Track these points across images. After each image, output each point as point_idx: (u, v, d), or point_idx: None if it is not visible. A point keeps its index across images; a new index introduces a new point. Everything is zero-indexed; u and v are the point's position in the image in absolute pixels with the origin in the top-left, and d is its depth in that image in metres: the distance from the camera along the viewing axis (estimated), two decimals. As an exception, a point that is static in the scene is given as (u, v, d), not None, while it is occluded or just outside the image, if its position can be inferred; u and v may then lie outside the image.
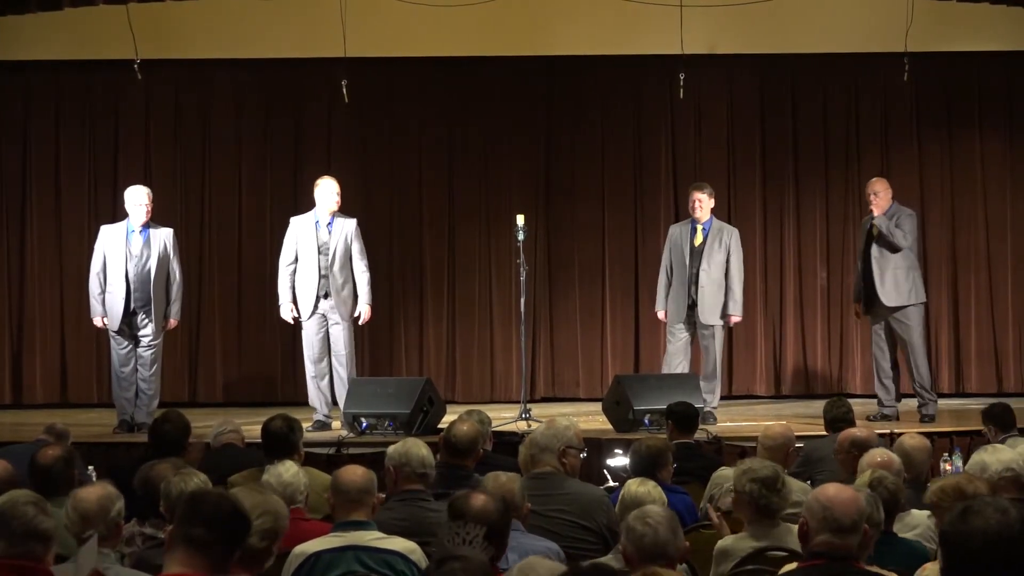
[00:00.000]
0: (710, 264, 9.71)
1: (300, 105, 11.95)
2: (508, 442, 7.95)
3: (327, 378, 9.53)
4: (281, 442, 5.90)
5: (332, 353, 9.50)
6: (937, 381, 11.76)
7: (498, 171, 11.98)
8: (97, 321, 9.50)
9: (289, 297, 9.48)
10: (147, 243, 9.45)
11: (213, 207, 11.92)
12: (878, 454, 5.27)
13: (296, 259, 9.48)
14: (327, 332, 9.50)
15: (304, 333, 9.58)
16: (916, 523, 4.94)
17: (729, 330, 10.37)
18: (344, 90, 10.15)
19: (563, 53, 11.76)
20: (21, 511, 3.86)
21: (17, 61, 11.64)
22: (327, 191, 9.50)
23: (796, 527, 3.97)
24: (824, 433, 7.37)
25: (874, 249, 9.54)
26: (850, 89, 11.90)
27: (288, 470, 5.09)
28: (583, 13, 11.42)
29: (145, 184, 11.80)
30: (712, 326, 9.75)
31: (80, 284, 11.79)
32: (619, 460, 8.07)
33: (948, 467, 7.38)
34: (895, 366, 9.66)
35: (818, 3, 11.54)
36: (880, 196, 9.59)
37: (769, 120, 11.99)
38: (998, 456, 5.12)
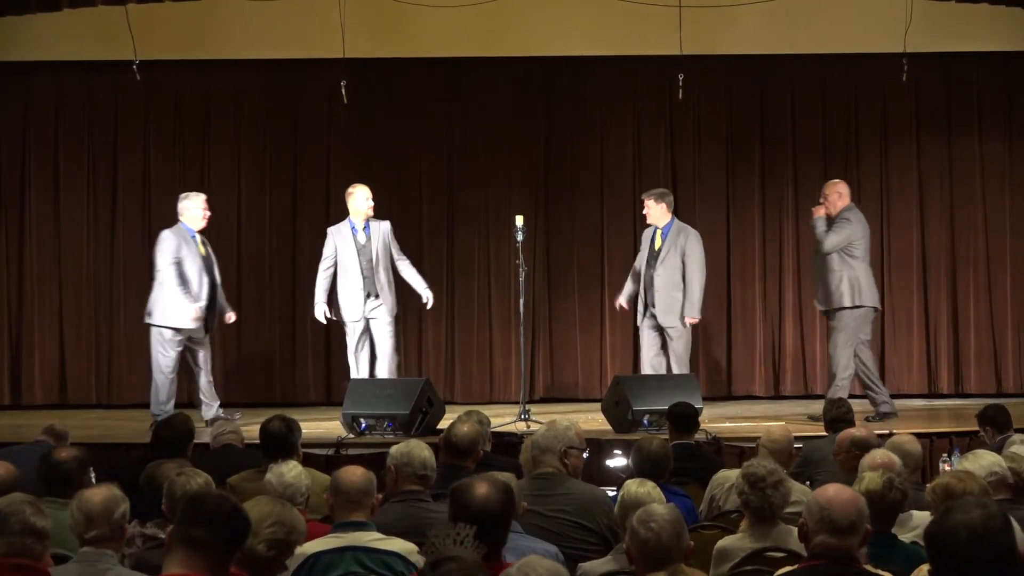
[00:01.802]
0: (664, 268, 9.80)
1: (299, 106, 11.94)
2: (507, 443, 7.95)
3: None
4: (280, 443, 5.89)
5: (376, 352, 9.78)
6: (936, 381, 11.78)
7: (497, 172, 11.97)
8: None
9: (324, 298, 9.76)
10: (205, 244, 9.79)
11: (212, 208, 11.84)
12: (879, 455, 5.27)
13: (335, 264, 9.72)
14: (370, 333, 9.75)
15: (348, 333, 9.80)
16: (917, 524, 4.94)
17: (703, 330, 10.33)
18: (343, 91, 10.14)
19: (562, 54, 11.75)
20: (18, 509, 3.88)
21: (16, 62, 11.63)
22: (361, 197, 9.78)
23: (796, 528, 3.96)
24: (823, 433, 7.37)
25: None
26: (849, 90, 11.90)
27: (291, 470, 5.08)
28: (582, 14, 11.42)
29: (143, 185, 11.87)
30: (670, 328, 9.81)
31: (79, 284, 11.84)
32: (618, 461, 8.07)
33: (947, 467, 7.36)
34: (875, 364, 9.75)
35: (817, 3, 11.54)
36: (829, 200, 9.73)
37: (768, 121, 11.98)
38: (980, 462, 5.15)
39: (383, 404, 8.92)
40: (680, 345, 9.85)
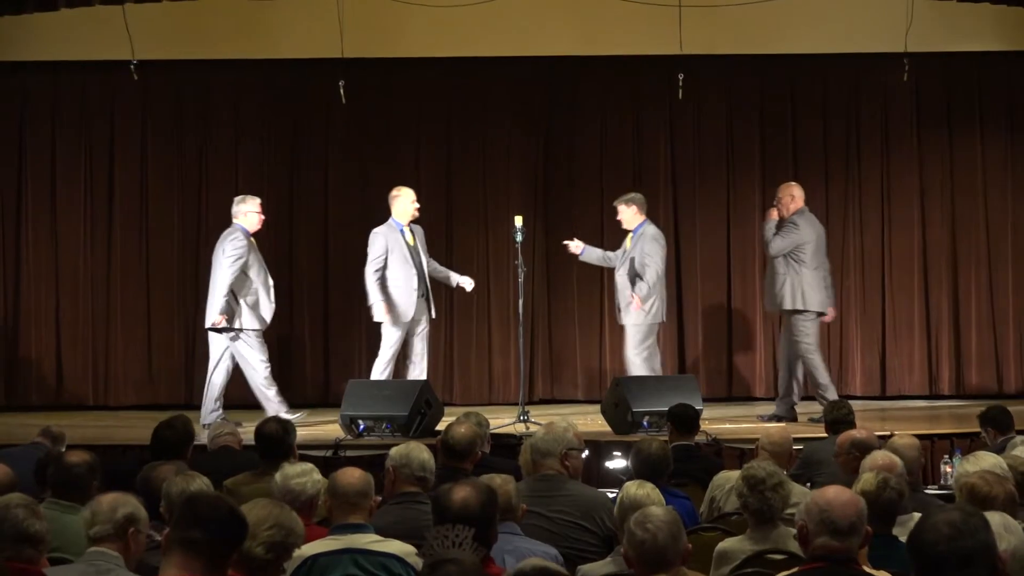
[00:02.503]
0: (624, 268, 9.85)
1: (298, 106, 11.94)
2: (506, 444, 7.94)
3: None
4: (275, 444, 5.88)
5: (413, 355, 9.83)
6: (937, 382, 11.78)
7: (496, 172, 11.97)
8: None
9: (384, 297, 9.69)
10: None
11: (210, 209, 11.90)
12: (880, 456, 5.26)
13: (386, 266, 9.71)
14: (409, 336, 9.83)
15: (396, 335, 9.75)
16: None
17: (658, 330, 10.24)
18: (341, 91, 10.14)
19: (561, 53, 11.74)
20: (12, 514, 3.87)
21: (13, 62, 11.63)
22: (407, 200, 9.82)
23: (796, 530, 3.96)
24: (824, 435, 7.37)
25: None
26: (850, 90, 11.89)
27: (299, 475, 5.02)
28: (581, 13, 11.42)
29: (141, 185, 11.86)
30: (622, 327, 9.91)
31: (76, 285, 11.83)
32: (618, 462, 8.07)
33: (948, 469, 7.38)
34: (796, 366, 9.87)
35: (817, 3, 11.53)
36: (782, 202, 9.80)
37: (768, 121, 11.98)
38: (981, 464, 5.15)
39: (381, 405, 8.92)
40: (630, 345, 9.85)
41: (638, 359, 9.77)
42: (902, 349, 11.83)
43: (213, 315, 9.61)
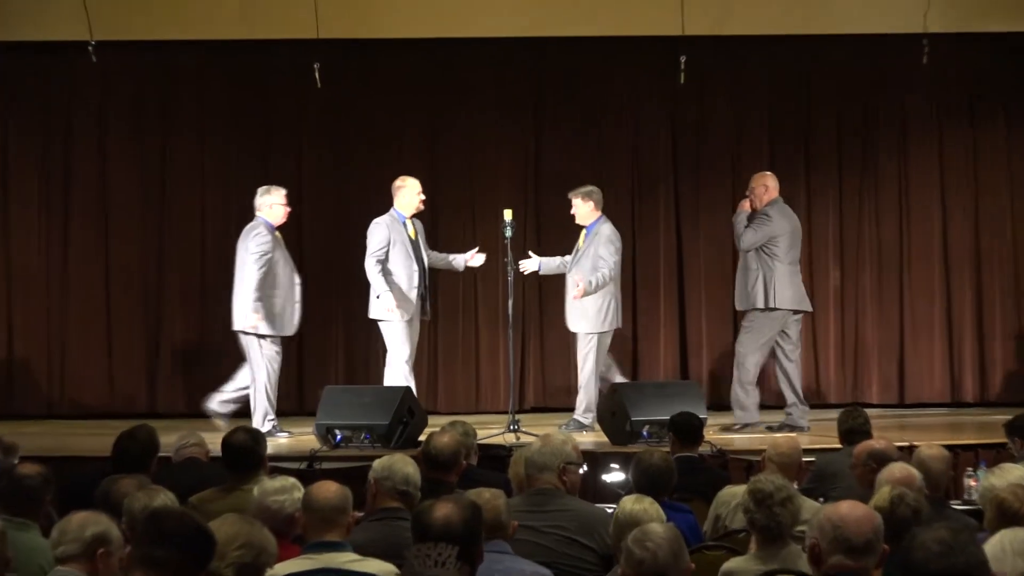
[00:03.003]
0: (577, 270, 9.85)
1: (269, 91, 11.93)
2: (495, 456, 7.94)
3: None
4: (245, 456, 5.86)
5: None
6: (959, 389, 11.80)
7: (484, 162, 11.97)
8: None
9: (389, 287, 9.66)
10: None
11: (174, 200, 11.89)
12: (897, 468, 5.28)
13: (387, 258, 9.73)
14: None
15: (403, 334, 9.72)
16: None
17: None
18: (317, 75, 10.14)
19: (554, 34, 11.74)
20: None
21: (-37, 43, 11.63)
22: (412, 192, 9.83)
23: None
24: (838, 446, 7.38)
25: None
26: (865, 73, 11.91)
27: (281, 489, 5.00)
28: (576, -10, 11.45)
29: (100, 176, 11.84)
30: (575, 334, 9.90)
31: (29, 283, 11.80)
32: (616, 476, 8.07)
33: (973, 483, 7.38)
34: (785, 371, 9.90)
35: (831, -20, 11.56)
36: (755, 193, 9.84)
37: (778, 108, 12.01)
38: (1007, 477, 5.15)
39: (360, 414, 8.91)
40: (580, 355, 9.84)
41: (590, 372, 9.80)
42: (921, 353, 11.85)
43: (245, 316, 9.54)
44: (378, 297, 9.68)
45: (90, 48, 10.06)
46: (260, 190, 9.80)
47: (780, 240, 9.72)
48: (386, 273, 9.67)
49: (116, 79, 11.78)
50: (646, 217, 11.85)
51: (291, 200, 11.74)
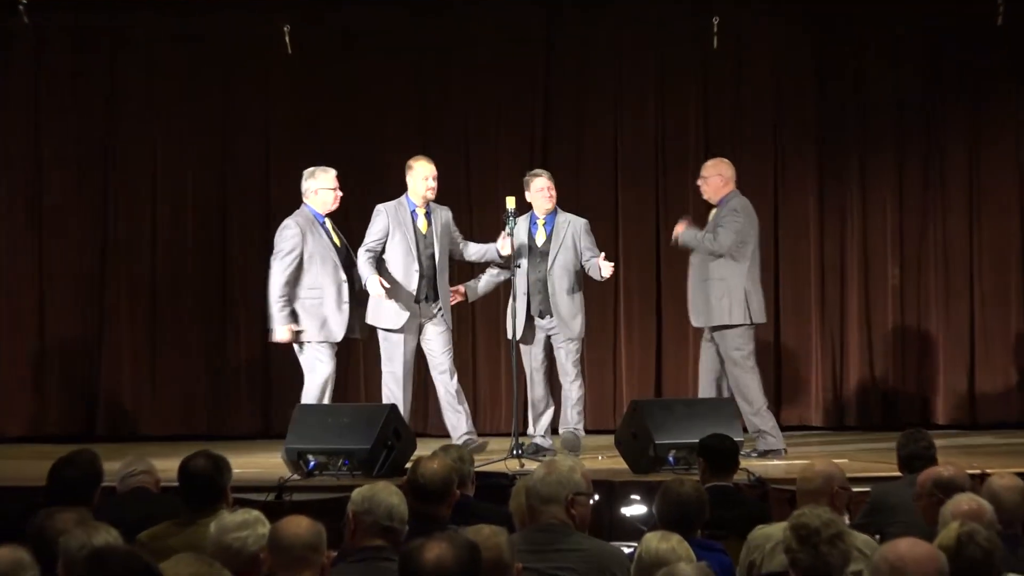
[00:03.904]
0: (562, 261, 9.91)
1: (231, 57, 11.94)
2: (495, 485, 7.92)
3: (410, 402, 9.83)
4: (205, 486, 5.86)
5: (432, 366, 9.90)
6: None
7: (484, 142, 11.99)
8: None
9: (373, 270, 9.60)
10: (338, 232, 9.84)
11: (120, 187, 11.90)
12: (965, 501, 5.27)
13: (383, 249, 9.73)
14: (418, 345, 9.85)
15: (397, 348, 9.76)
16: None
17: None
18: (287, 39, 10.15)
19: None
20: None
21: None
22: (419, 175, 9.81)
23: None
24: (897, 474, 7.38)
25: (693, 255, 9.89)
26: (928, 37, 11.91)
27: (242, 524, 5.01)
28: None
29: (34, 158, 11.84)
30: (561, 337, 9.96)
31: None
32: (637, 509, 8.07)
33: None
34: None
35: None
36: (709, 183, 9.89)
37: (827, 77, 12.01)
38: None
39: (337, 437, 8.90)
40: (570, 362, 9.93)
41: (577, 378, 9.90)
42: (995, 367, 11.85)
43: (277, 328, 9.56)
44: (364, 286, 9.68)
45: (21, 7, 10.06)
46: (305, 173, 9.74)
47: (750, 241, 9.77)
48: (381, 271, 9.68)
49: (53, 43, 11.79)
50: (672, 204, 11.80)
51: (257, 185, 11.85)
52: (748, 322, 9.76)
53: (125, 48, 11.96)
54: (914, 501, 6.17)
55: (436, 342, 9.86)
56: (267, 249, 11.47)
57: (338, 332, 9.63)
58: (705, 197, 9.94)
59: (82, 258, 11.89)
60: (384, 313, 9.73)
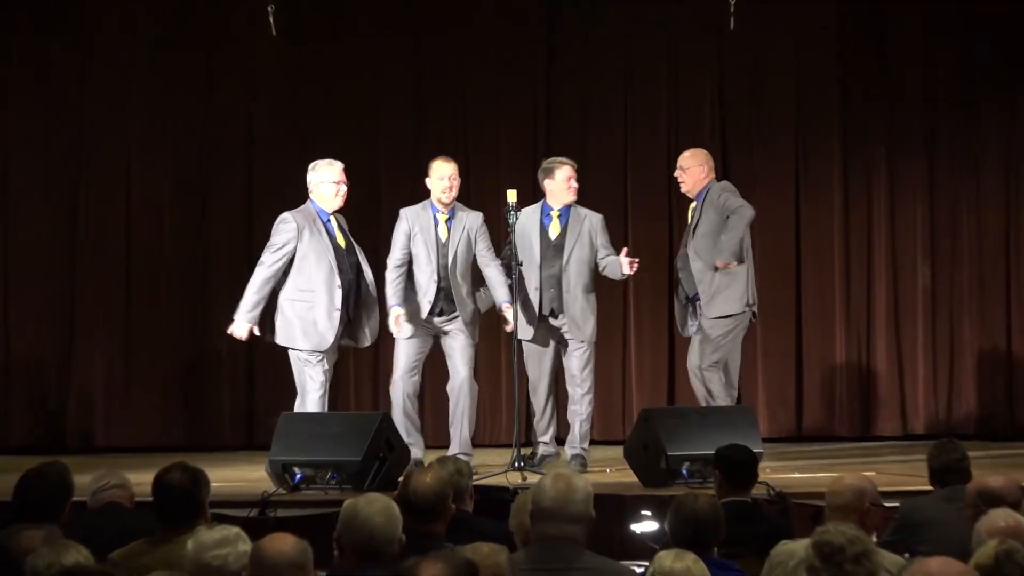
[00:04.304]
0: (576, 261, 9.89)
1: (211, 39, 11.96)
2: (495, 500, 7.91)
3: (415, 409, 9.82)
4: (181, 501, 5.85)
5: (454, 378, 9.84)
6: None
7: (482, 127, 12.01)
8: None
9: (399, 301, 9.64)
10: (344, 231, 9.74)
11: (91, 178, 11.89)
12: (1001, 517, 5.24)
13: (409, 260, 9.73)
14: (428, 353, 9.84)
15: (401, 347, 9.77)
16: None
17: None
18: (271, 19, 10.14)
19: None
20: None
21: None
22: (435, 176, 9.76)
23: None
24: (929, 488, 7.37)
25: (695, 249, 9.89)
26: (961, 19, 11.91)
27: (221, 541, 5.01)
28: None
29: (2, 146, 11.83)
30: (575, 340, 9.91)
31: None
32: (648, 525, 8.07)
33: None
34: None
35: None
36: (689, 173, 9.93)
37: (852, 58, 12.03)
38: None
39: (326, 448, 8.89)
40: (587, 367, 9.92)
41: (590, 391, 9.94)
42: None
43: (238, 320, 9.51)
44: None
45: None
46: (310, 166, 9.73)
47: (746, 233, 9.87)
48: (411, 276, 9.71)
49: (16, 17, 11.78)
50: (685, 196, 11.77)
51: (238, 175, 11.85)
52: (746, 306, 9.89)
53: (95, 26, 11.96)
54: (964, 511, 6.17)
55: (454, 350, 9.82)
56: (251, 246, 11.54)
57: (325, 341, 9.50)
58: (684, 190, 9.99)
59: (50, 255, 11.88)
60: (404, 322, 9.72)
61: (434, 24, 11.96)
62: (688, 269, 9.97)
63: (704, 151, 10.11)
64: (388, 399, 11.49)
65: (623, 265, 9.72)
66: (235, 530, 5.05)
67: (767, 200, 11.83)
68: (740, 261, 9.76)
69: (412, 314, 9.70)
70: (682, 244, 10.14)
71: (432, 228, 9.74)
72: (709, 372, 9.90)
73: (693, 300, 10.02)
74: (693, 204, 9.97)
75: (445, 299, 9.73)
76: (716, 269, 9.75)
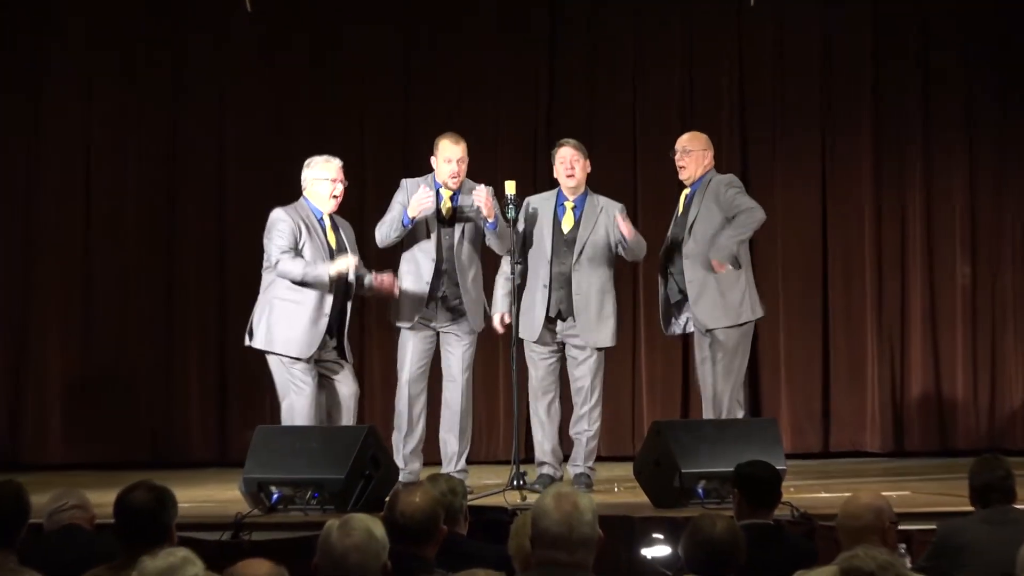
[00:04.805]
0: (587, 261, 9.77)
1: (182, 18, 11.98)
2: (492, 521, 7.91)
3: (423, 419, 9.78)
4: (145, 523, 5.85)
5: (445, 378, 9.81)
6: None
7: (479, 115, 12.00)
8: None
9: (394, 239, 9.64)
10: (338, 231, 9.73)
11: (50, 173, 11.89)
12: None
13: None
14: (433, 354, 9.79)
15: (405, 344, 9.74)
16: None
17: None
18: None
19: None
20: None
21: None
22: (443, 155, 9.69)
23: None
24: (969, 508, 7.36)
25: (689, 244, 9.74)
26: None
27: (168, 569, 5.00)
28: None
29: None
30: (586, 347, 9.83)
31: None
32: (660, 549, 8.06)
33: None
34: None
35: None
36: (690, 158, 9.82)
37: (884, 39, 12.03)
38: None
39: (305, 465, 8.87)
40: (597, 375, 9.86)
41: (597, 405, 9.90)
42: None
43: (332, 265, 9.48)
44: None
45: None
46: (306, 162, 9.64)
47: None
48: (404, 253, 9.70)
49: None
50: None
51: (209, 167, 11.82)
52: (749, 319, 9.81)
53: (57, 8, 11.99)
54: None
55: (451, 354, 9.79)
56: (221, 248, 11.55)
57: (306, 349, 9.45)
58: (684, 176, 9.80)
59: (5, 256, 11.88)
60: (393, 309, 9.73)
61: (427, 11, 12.00)
62: (679, 265, 9.86)
63: (705, 135, 10.01)
64: (372, 411, 11.60)
65: (620, 226, 9.59)
66: (182, 553, 5.01)
67: (790, 197, 11.88)
68: (737, 266, 9.68)
69: (413, 301, 9.67)
70: (668, 236, 9.94)
71: (432, 207, 9.58)
72: (731, 403, 9.81)
73: (680, 303, 9.87)
74: (686, 191, 9.84)
75: (448, 287, 9.67)
76: (711, 269, 9.67)
